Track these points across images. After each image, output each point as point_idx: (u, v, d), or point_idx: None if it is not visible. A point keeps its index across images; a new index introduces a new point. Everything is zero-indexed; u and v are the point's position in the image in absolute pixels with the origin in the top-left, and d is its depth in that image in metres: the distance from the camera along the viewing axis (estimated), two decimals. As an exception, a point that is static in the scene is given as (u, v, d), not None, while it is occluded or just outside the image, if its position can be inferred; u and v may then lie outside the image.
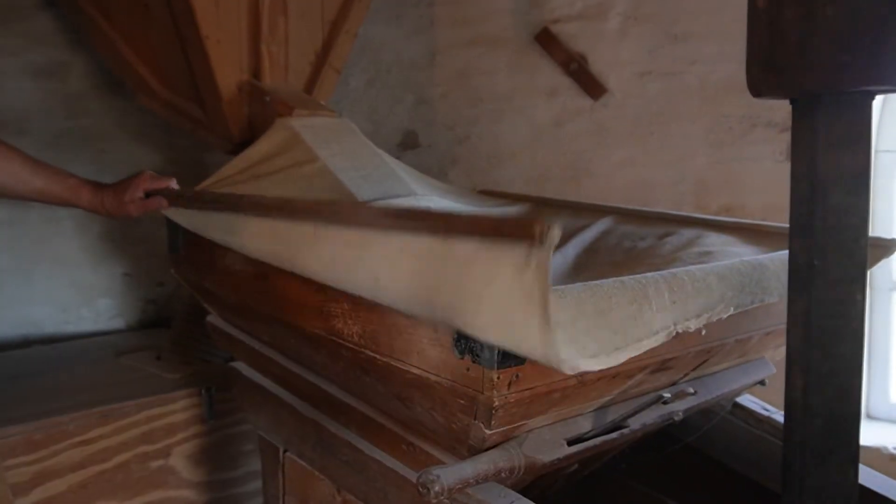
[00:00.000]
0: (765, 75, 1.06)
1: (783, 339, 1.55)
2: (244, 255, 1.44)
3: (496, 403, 1.01)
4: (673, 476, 1.63)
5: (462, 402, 1.06)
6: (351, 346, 1.24)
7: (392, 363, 1.16)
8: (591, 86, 2.54)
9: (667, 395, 1.34)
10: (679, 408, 1.36)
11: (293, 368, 1.53)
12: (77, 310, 2.59)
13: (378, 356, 1.19)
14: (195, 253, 1.66)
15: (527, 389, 1.03)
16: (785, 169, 2.22)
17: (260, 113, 1.92)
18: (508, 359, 0.99)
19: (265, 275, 1.43)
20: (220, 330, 1.72)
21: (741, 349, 1.42)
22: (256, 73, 1.99)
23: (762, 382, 1.55)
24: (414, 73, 2.83)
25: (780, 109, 2.29)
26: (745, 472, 1.60)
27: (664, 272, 1.15)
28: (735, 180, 2.32)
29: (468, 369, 1.02)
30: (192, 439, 2.05)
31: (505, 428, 1.10)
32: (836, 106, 0.92)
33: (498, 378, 0.99)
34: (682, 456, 1.62)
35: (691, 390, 1.38)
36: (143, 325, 2.69)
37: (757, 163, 2.34)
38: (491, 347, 0.98)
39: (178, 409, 2.03)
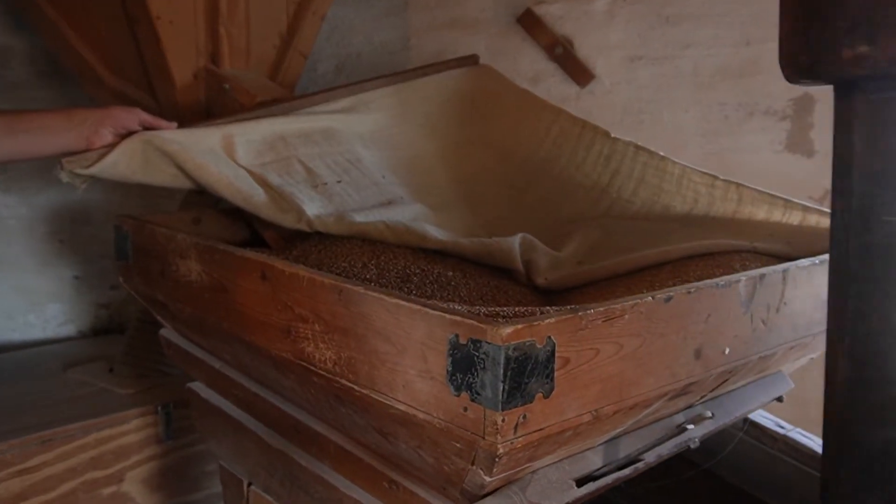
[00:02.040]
0: (802, 58, 0.90)
1: (804, 352, 1.41)
2: (202, 248, 1.27)
3: (500, 451, 0.84)
4: (681, 501, 1.48)
5: (458, 445, 0.89)
6: (323, 373, 1.07)
7: (373, 396, 0.99)
8: (578, 71, 2.39)
9: (684, 421, 1.19)
10: (696, 434, 1.21)
11: (257, 391, 1.36)
12: (23, 316, 2.39)
13: (356, 387, 1.01)
14: (146, 261, 1.48)
15: (535, 431, 0.87)
16: (785, 159, 2.10)
17: (218, 102, 1.74)
18: (514, 397, 0.83)
19: (223, 287, 1.25)
20: (175, 346, 1.53)
21: (762, 365, 1.27)
22: (214, 57, 1.80)
23: (779, 399, 1.40)
24: (386, 59, 2.64)
25: (780, 96, 2.15)
26: (759, 495, 1.46)
27: None
28: (731, 172, 2.16)
29: (466, 409, 0.85)
30: (148, 462, 1.87)
31: (507, 473, 0.94)
32: (882, 92, 0.78)
33: (503, 421, 0.83)
34: (690, 479, 1.48)
35: (709, 414, 1.24)
36: (95, 332, 2.49)
37: (755, 153, 2.20)
38: (494, 384, 0.82)
39: (132, 429, 1.85)
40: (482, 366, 0.83)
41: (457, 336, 0.86)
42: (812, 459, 1.40)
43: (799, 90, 2.12)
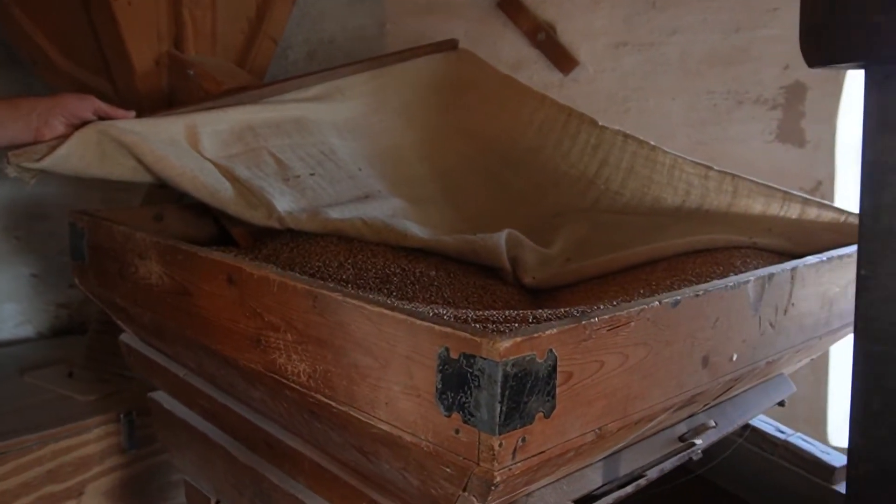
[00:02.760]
0: (824, 42, 0.83)
1: (808, 354, 1.34)
2: (162, 247, 1.16)
3: (497, 479, 0.75)
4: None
5: (448, 470, 0.80)
6: (296, 387, 0.97)
7: (352, 413, 0.89)
8: (561, 58, 2.30)
9: (686, 431, 1.11)
10: (699, 446, 1.13)
11: (225, 402, 1.25)
12: (-22, 317, 2.25)
13: (333, 403, 0.92)
14: (103, 261, 1.36)
15: (535, 455, 0.78)
16: (775, 149, 2.03)
17: (182, 89, 1.62)
18: (513, 418, 0.74)
19: (186, 290, 1.15)
20: (135, 352, 1.42)
21: (768, 370, 1.19)
22: (177, 42, 1.68)
23: (781, 403, 1.33)
24: (360, 45, 2.53)
25: (771, 84, 2.08)
26: (759, 504, 1.38)
27: None
28: (720, 162, 2.09)
29: (458, 431, 0.76)
30: (110, 473, 1.76)
31: (503, 499, 0.85)
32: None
33: (500, 446, 0.73)
34: (686, 485, 1.40)
35: (712, 423, 1.15)
36: (54, 333, 2.36)
37: (744, 143, 2.13)
38: (490, 405, 0.72)
39: (92, 439, 1.73)
40: (476, 384, 0.74)
41: (447, 350, 0.76)
42: (815, 467, 1.33)
43: (789, 78, 2.05)
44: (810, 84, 2.03)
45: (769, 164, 2.09)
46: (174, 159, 1.32)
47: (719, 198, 1.59)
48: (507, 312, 1.10)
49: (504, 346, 0.72)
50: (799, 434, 1.41)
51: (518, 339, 0.73)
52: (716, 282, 1.00)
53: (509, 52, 2.36)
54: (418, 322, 0.79)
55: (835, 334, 1.28)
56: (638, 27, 2.21)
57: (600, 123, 1.79)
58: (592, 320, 0.81)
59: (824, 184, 2.03)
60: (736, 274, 1.24)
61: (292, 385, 0.98)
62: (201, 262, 1.10)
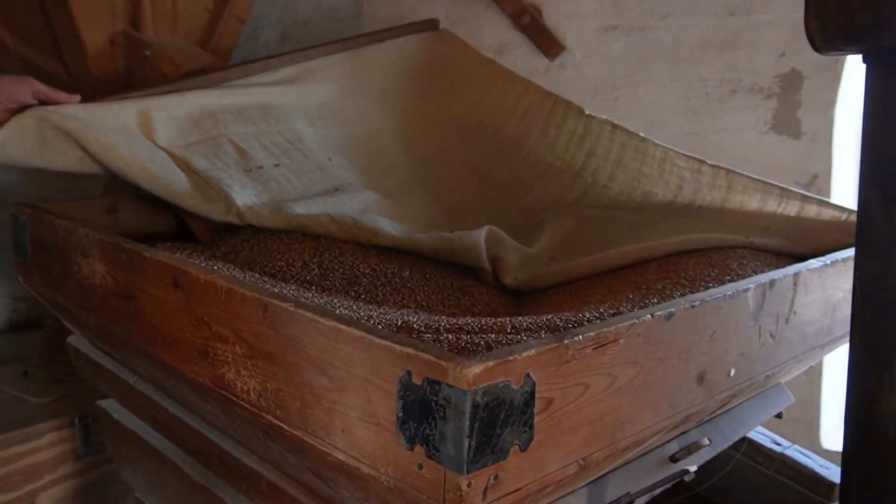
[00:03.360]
0: (830, 25, 0.73)
1: (807, 363, 1.25)
2: (105, 248, 1.05)
3: (465, 524, 0.65)
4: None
5: (411, 509, 0.70)
6: (247, 406, 0.87)
7: (306, 439, 0.79)
8: (547, 43, 2.19)
9: (678, 450, 1.01)
10: (692, 465, 1.04)
11: (177, 414, 1.15)
12: (-69, 311, 2.13)
13: (285, 426, 0.82)
14: (46, 258, 1.25)
15: (511, 493, 0.68)
16: (770, 141, 1.93)
17: (139, 72, 1.50)
18: (483, 454, 0.64)
19: (131, 293, 1.04)
20: (84, 356, 1.32)
21: (767, 382, 1.10)
22: (135, 20, 1.56)
23: (779, 415, 1.24)
24: (336, 26, 2.41)
25: (766, 72, 1.98)
26: (754, 521, 1.30)
27: None
28: (711, 153, 1.98)
29: (421, 467, 0.66)
30: (64, 481, 1.66)
31: (474, 539, 0.75)
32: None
33: (468, 486, 0.64)
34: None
35: (706, 441, 1.06)
36: (12, 328, 2.25)
37: (737, 134, 2.03)
38: (457, 439, 0.63)
39: (44, 445, 1.63)
40: (442, 414, 0.64)
41: (409, 374, 0.66)
42: (814, 483, 1.24)
43: (785, 66, 1.95)
44: (807, 72, 1.93)
45: (763, 156, 2.00)
46: (123, 148, 1.20)
47: (713, 193, 1.49)
48: (483, 320, 1.00)
49: (474, 373, 0.62)
50: (795, 447, 1.33)
51: (490, 364, 0.63)
52: (713, 290, 0.91)
53: (492, 35, 2.25)
54: (377, 340, 0.69)
55: (837, 342, 1.19)
56: (628, 10, 2.11)
57: (587, 112, 1.69)
58: (576, 338, 0.71)
59: (821, 177, 1.94)
60: (732, 276, 1.15)
61: (242, 403, 0.88)
62: (146, 262, 0.99)
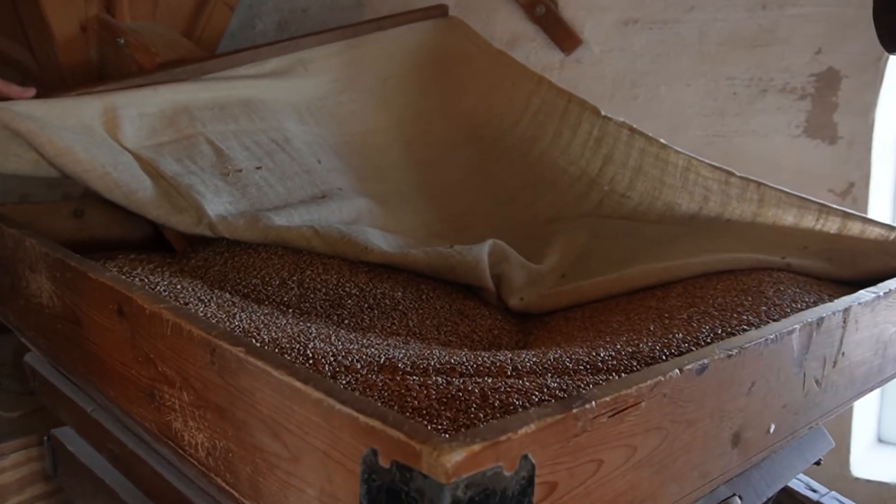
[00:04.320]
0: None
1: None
2: (53, 260, 0.92)
3: None
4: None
5: None
6: (196, 464, 0.73)
7: (258, 512, 0.65)
8: (562, 36, 2.04)
9: (705, 514, 0.87)
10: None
11: (136, 450, 1.02)
12: None
13: (236, 493, 0.68)
14: (-4, 269, 1.12)
15: None
16: (803, 145, 1.76)
17: (112, 62, 1.37)
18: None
19: (77, 318, 0.91)
20: (40, 377, 1.19)
21: (808, 432, 0.96)
22: (110, 5, 1.42)
23: (818, 462, 1.09)
24: (337, 15, 2.27)
25: (800, 71, 1.83)
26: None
27: None
28: (737, 158, 1.86)
29: (388, 571, 0.52)
30: (31, 504, 1.52)
31: None
32: None
33: None
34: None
35: (737, 500, 0.92)
36: (-8, 331, 2.11)
37: (766, 137, 1.88)
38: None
39: (8, 465, 1.49)
40: (414, 508, 0.50)
41: (374, 453, 0.53)
42: (855, 538, 1.10)
43: (822, 64, 1.79)
44: (846, 71, 1.78)
45: (795, 161, 1.84)
46: (80, 152, 1.07)
47: (743, 206, 1.34)
48: (481, 358, 0.86)
49: (454, 461, 0.48)
50: (833, 493, 1.18)
51: (476, 449, 0.49)
52: (751, 334, 0.76)
53: (503, 26, 2.10)
54: (336, 406, 0.55)
55: (886, 382, 1.05)
56: (650, 2, 1.95)
57: (603, 113, 1.54)
58: (587, 405, 0.57)
59: (858, 186, 1.79)
60: (768, 306, 1.00)
61: (191, 460, 0.74)
62: (89, 284, 0.86)
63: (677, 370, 0.65)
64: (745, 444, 0.76)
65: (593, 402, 0.57)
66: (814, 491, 1.17)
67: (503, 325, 1.14)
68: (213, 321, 0.84)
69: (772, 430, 0.80)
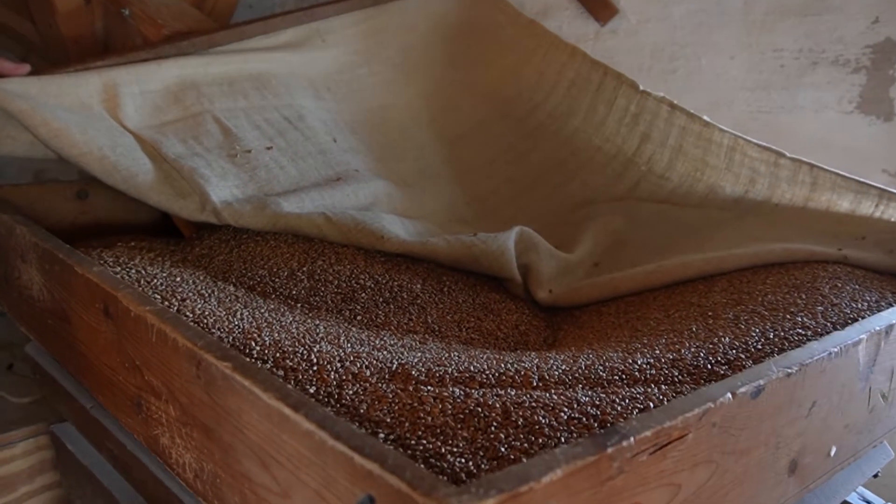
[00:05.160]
0: None
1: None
2: (45, 257, 0.85)
3: None
4: None
5: None
6: (182, 483, 0.66)
7: (248, 544, 0.58)
8: (597, 4, 1.92)
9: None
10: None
11: (135, 452, 0.95)
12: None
13: (225, 522, 0.61)
14: (-9, 256, 1.06)
15: None
16: (855, 122, 1.64)
17: (117, 34, 1.29)
18: None
19: (65, 315, 0.84)
20: (41, 370, 1.12)
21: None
22: (116, -27, 1.33)
23: (876, 475, 1.00)
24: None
25: (854, 42, 1.70)
26: None
27: None
28: (784, 135, 1.74)
29: None
30: (41, 493, 1.48)
31: None
32: None
33: None
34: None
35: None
36: (2, 311, 2.07)
37: (816, 113, 1.75)
38: None
39: (18, 453, 1.44)
40: (416, 569, 0.42)
41: (371, 501, 0.44)
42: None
43: (879, 35, 1.66)
44: (906, 42, 1.65)
45: (846, 139, 1.72)
46: (77, 133, 0.99)
47: (793, 189, 1.24)
48: (504, 364, 0.78)
49: (462, 519, 0.40)
50: (890, 505, 1.08)
51: (490, 503, 0.41)
52: (813, 346, 0.67)
53: (536, -5, 1.99)
54: (329, 442, 0.47)
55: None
56: (693, -32, 1.83)
57: (641, 88, 1.43)
58: (625, 442, 0.48)
59: (915, 166, 1.66)
60: (823, 305, 0.90)
61: (178, 480, 0.67)
62: (76, 279, 0.79)
63: (729, 394, 0.56)
64: (802, 470, 0.67)
65: (632, 439, 0.49)
66: (868, 503, 1.07)
67: (530, 320, 1.05)
68: (211, 320, 0.77)
69: (832, 454, 0.70)
